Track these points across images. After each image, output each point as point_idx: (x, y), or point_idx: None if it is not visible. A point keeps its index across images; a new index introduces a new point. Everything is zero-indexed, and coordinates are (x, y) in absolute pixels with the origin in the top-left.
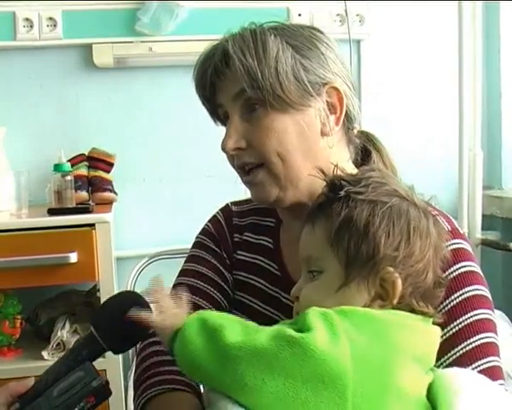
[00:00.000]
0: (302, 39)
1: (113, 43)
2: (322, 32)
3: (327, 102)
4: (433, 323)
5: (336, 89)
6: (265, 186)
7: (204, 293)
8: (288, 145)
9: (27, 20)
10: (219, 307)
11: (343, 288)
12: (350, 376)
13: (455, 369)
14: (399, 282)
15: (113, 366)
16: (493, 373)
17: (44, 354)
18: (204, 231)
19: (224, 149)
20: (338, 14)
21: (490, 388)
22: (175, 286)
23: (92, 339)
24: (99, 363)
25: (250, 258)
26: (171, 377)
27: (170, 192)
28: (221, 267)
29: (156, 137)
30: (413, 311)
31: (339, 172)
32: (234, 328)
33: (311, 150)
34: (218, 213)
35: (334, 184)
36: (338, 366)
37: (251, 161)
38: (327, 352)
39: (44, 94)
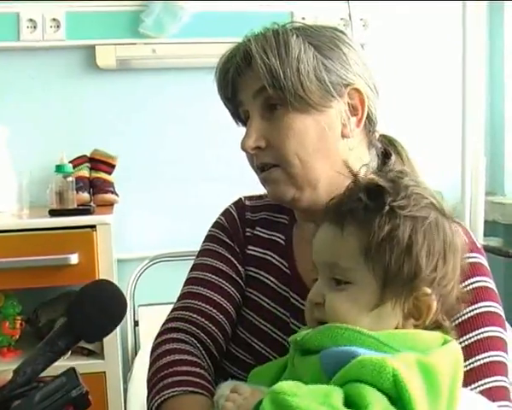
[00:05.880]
0: (324, 39)
1: (116, 44)
2: (344, 33)
3: (348, 103)
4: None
5: (358, 90)
6: (281, 185)
7: (218, 287)
8: (308, 146)
9: (31, 20)
10: (233, 302)
11: (379, 307)
12: None
13: None
14: (435, 304)
15: (113, 369)
16: (497, 393)
17: None
18: (217, 225)
19: (243, 147)
20: (342, 19)
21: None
22: (188, 280)
23: (67, 329)
24: (99, 365)
25: (261, 253)
26: (187, 379)
27: (171, 195)
28: (234, 261)
29: (158, 139)
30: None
31: (366, 174)
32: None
33: (331, 152)
34: (230, 206)
35: (372, 191)
36: None
37: (269, 162)
38: None
39: (47, 95)
